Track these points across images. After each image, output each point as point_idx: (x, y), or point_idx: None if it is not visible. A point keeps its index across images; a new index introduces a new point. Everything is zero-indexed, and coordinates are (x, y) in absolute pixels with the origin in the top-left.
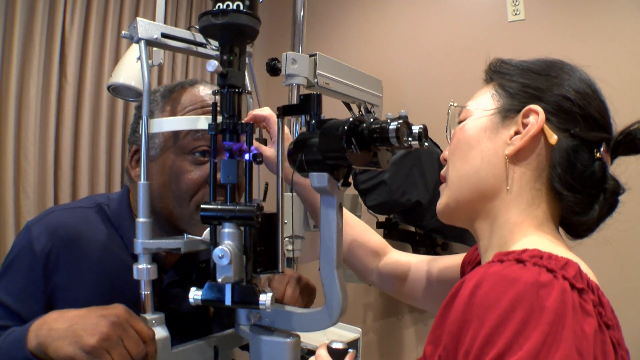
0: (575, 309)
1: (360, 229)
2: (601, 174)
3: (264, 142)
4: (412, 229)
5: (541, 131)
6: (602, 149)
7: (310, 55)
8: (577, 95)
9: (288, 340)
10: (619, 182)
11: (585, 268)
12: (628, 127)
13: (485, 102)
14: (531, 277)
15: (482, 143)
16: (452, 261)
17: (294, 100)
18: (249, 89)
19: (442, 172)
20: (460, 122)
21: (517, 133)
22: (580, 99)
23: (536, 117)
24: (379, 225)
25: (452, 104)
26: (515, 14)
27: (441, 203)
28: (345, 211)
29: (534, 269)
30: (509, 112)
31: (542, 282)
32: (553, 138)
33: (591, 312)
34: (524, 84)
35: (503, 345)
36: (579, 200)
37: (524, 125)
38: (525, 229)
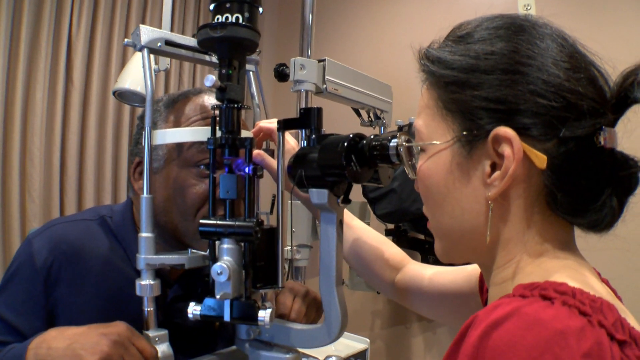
0: None
1: (377, 242)
2: (611, 163)
3: (271, 153)
4: (422, 236)
5: (523, 154)
6: (603, 134)
7: (319, 61)
8: (552, 85)
9: (287, 356)
10: (633, 158)
11: (621, 308)
12: (624, 80)
13: (436, 130)
14: (560, 321)
15: (455, 190)
16: (469, 272)
17: (303, 106)
18: (256, 99)
19: (424, 210)
20: (419, 149)
21: (492, 165)
22: (557, 87)
23: (510, 147)
24: (387, 233)
25: (398, 142)
26: (527, 9)
27: (437, 251)
28: (361, 223)
29: (563, 310)
30: (473, 141)
31: (573, 328)
32: (541, 161)
33: None
34: (478, 97)
35: None
36: (594, 210)
37: (498, 155)
38: (539, 256)
